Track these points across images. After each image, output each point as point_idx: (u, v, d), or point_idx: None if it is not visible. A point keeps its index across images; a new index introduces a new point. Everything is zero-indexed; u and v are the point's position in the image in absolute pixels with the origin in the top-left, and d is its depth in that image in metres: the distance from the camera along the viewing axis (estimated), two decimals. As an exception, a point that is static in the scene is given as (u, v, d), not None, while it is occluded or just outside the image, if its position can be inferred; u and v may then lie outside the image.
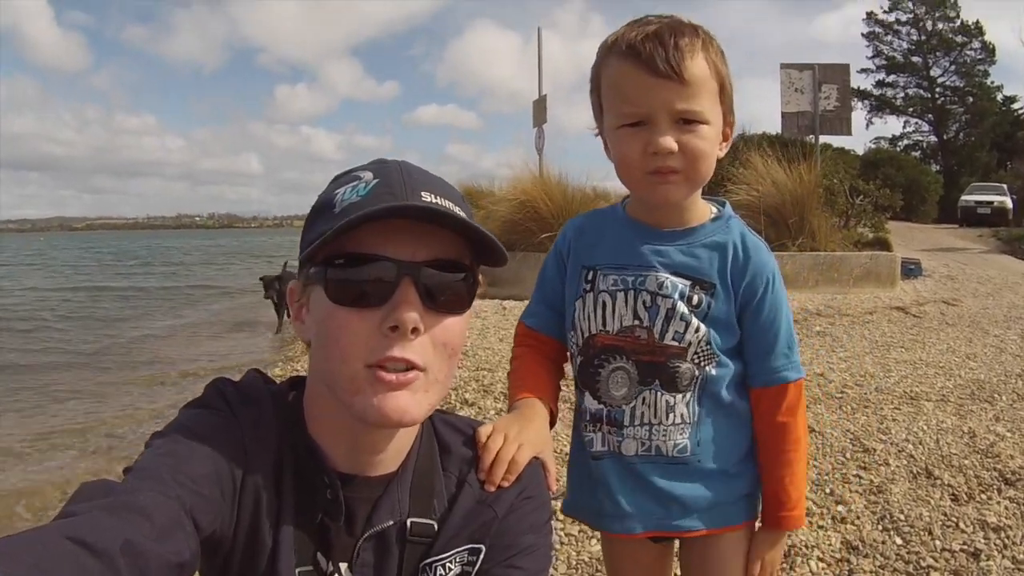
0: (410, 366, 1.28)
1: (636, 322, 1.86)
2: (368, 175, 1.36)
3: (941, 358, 8.26)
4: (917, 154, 70.42)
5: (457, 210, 1.33)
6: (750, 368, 1.92)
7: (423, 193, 1.32)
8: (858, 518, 4.17)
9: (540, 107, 18.76)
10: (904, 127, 73.77)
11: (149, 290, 28.36)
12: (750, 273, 1.87)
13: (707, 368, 1.87)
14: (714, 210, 1.98)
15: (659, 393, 1.86)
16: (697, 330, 1.84)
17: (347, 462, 1.38)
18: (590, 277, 1.93)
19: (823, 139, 17.22)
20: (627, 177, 1.84)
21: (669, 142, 1.72)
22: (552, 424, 1.90)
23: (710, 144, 1.77)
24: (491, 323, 9.90)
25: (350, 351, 1.28)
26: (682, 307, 1.83)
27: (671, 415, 1.86)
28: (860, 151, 48.79)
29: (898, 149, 67.13)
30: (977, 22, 72.26)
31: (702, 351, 1.86)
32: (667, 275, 1.85)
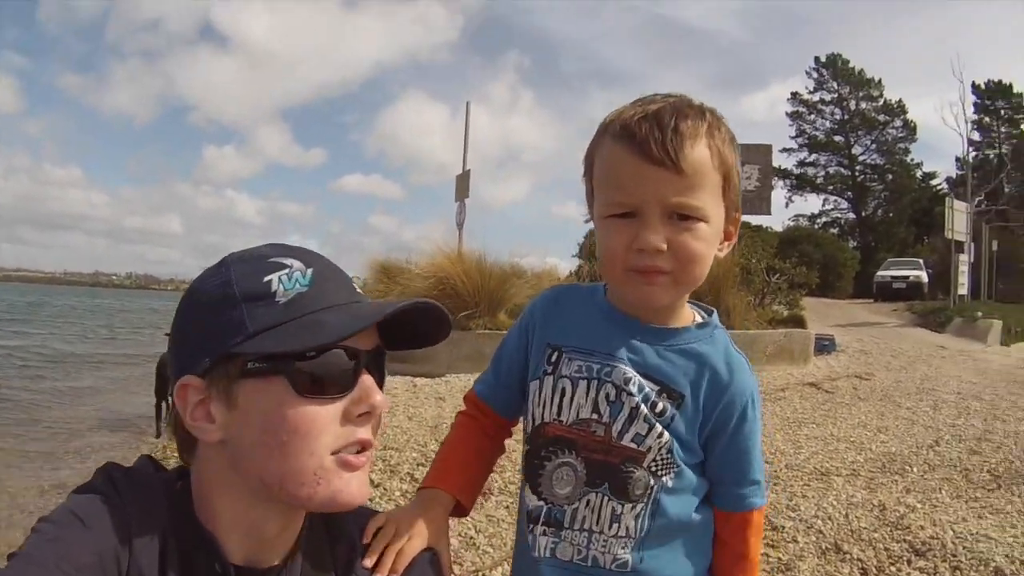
0: (366, 446, 1.33)
1: (594, 415, 1.62)
2: (295, 263, 1.35)
3: (852, 433, 8.28)
4: (835, 231, 72.20)
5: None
6: (715, 489, 1.70)
7: (356, 285, 1.39)
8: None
9: (463, 182, 18.74)
10: (824, 204, 75.77)
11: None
12: (728, 396, 1.64)
13: (664, 478, 1.62)
14: (700, 317, 1.75)
15: (606, 498, 1.62)
16: (660, 436, 1.59)
17: (241, 553, 1.34)
18: (553, 358, 1.69)
19: (742, 219, 17.16)
20: (609, 272, 1.63)
21: (657, 240, 1.50)
22: (463, 513, 1.75)
23: (706, 244, 1.54)
24: (401, 401, 9.66)
25: (321, 442, 1.27)
26: (645, 410, 1.59)
27: (615, 525, 1.62)
28: (779, 229, 49.85)
29: (817, 226, 68.84)
30: (900, 101, 74.41)
31: (662, 459, 1.61)
32: (635, 373, 1.61)
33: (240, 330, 1.26)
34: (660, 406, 1.60)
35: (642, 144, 1.49)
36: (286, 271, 1.32)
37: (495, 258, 14.43)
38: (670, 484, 1.62)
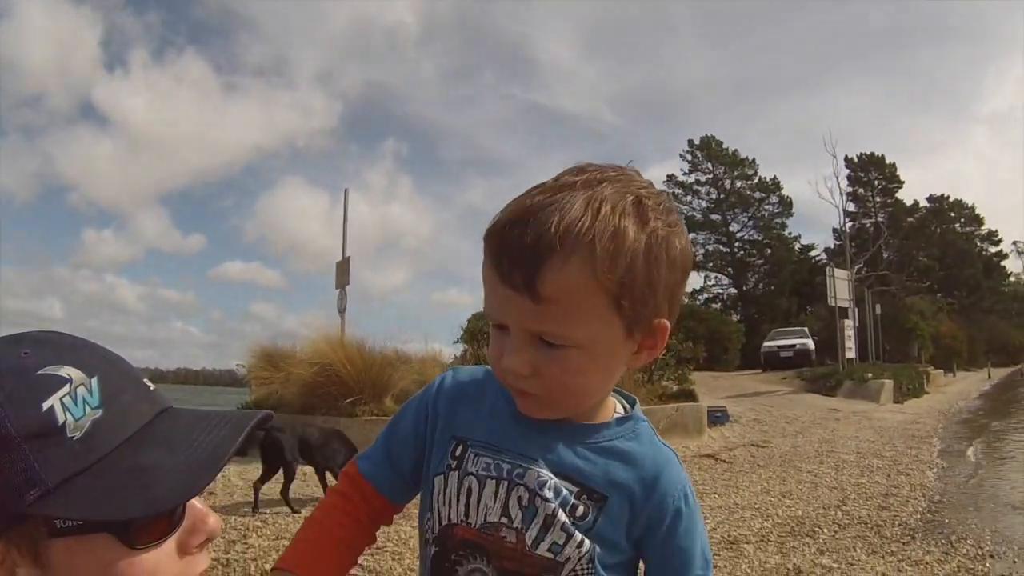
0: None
1: (503, 520, 1.38)
2: (72, 373, 1.02)
3: (756, 500, 8.08)
4: (718, 306, 73.81)
5: None
6: None
7: (146, 381, 1.12)
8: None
9: (343, 269, 18.70)
10: (705, 281, 77.67)
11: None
12: (658, 495, 1.42)
13: None
14: (621, 407, 1.52)
15: None
16: (580, 545, 1.35)
17: None
18: (458, 452, 1.45)
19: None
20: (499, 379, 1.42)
21: (518, 364, 1.30)
22: None
23: (579, 372, 1.30)
24: (292, 489, 9.28)
25: None
26: (563, 517, 1.35)
27: None
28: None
29: (699, 303, 70.21)
30: (774, 178, 77.14)
31: (582, 570, 1.37)
32: (550, 475, 1.38)
33: (33, 482, 0.95)
34: (580, 509, 1.37)
35: (497, 263, 1.27)
36: (66, 389, 0.99)
37: (378, 344, 14.29)
38: None
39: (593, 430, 1.44)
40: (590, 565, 1.36)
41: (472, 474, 1.41)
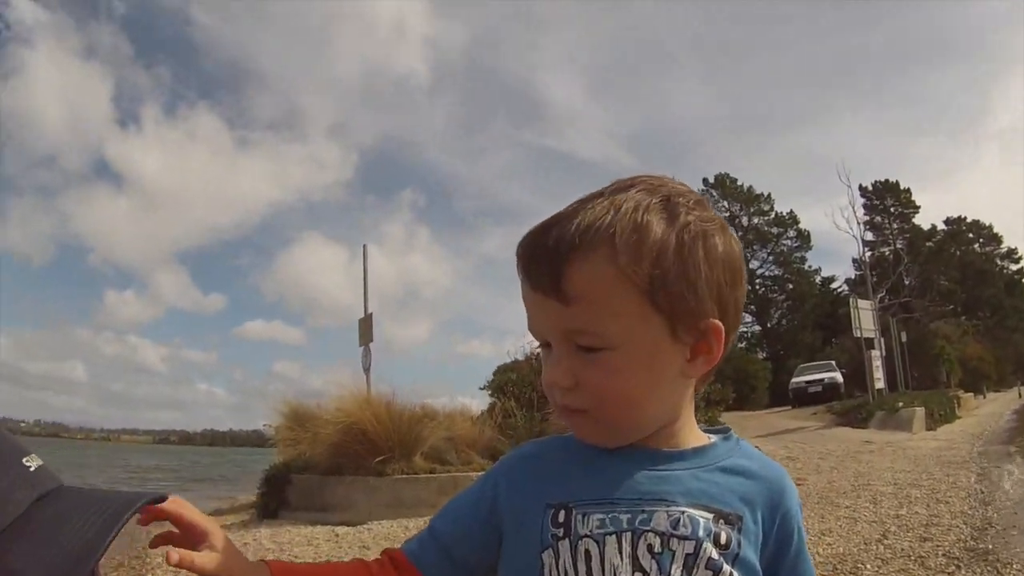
0: None
1: (638, 575, 1.24)
2: None
3: None
4: (743, 344, 73.72)
5: None
6: None
7: (27, 460, 1.02)
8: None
9: (366, 325, 18.50)
10: (727, 321, 77.66)
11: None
12: (783, 508, 1.36)
13: None
14: (713, 436, 1.44)
15: None
16: None
17: None
18: (562, 519, 1.30)
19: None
20: None
21: (558, 375, 1.27)
22: None
23: (620, 375, 1.24)
24: (323, 551, 9.08)
25: None
26: (711, 549, 1.25)
27: None
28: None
29: (723, 343, 70.36)
30: (791, 212, 77.40)
31: None
32: (683, 507, 1.28)
33: None
34: (723, 537, 1.27)
35: (525, 270, 1.28)
36: None
37: (404, 400, 14.12)
38: None
39: (701, 453, 1.37)
40: None
41: (587, 536, 1.27)
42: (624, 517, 1.26)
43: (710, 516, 1.27)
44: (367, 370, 17.17)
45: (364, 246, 19.79)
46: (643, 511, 1.26)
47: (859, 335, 29.07)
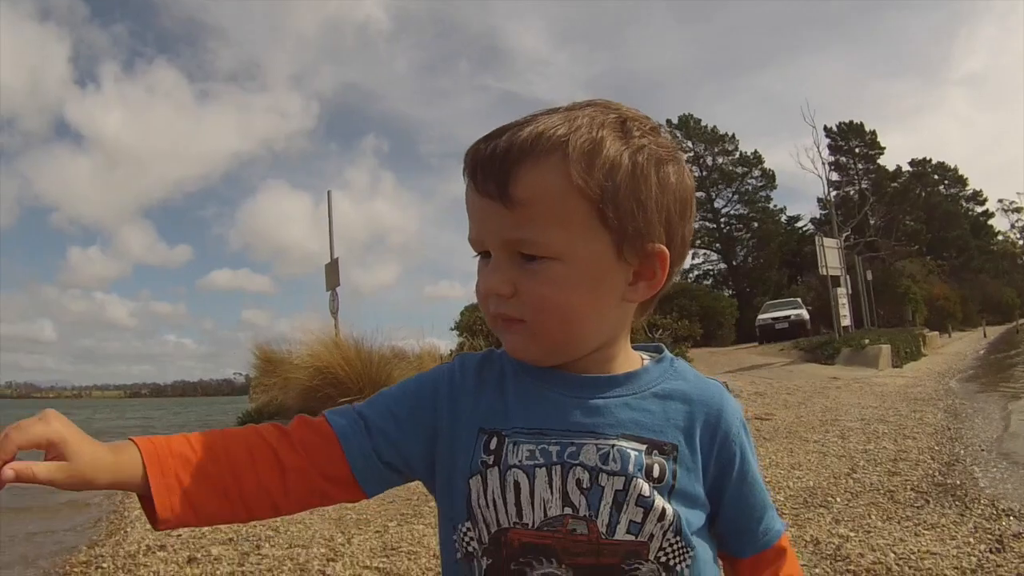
0: None
1: (568, 511, 1.23)
2: None
3: (766, 473, 7.90)
4: (709, 282, 74.22)
5: None
6: (735, 541, 1.40)
7: None
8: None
9: (332, 270, 18.65)
10: (694, 258, 78.20)
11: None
12: (723, 430, 1.34)
13: (678, 567, 1.26)
14: (646, 357, 1.42)
15: None
16: (662, 516, 1.24)
17: None
18: (492, 445, 1.29)
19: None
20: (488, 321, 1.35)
21: (497, 282, 1.25)
22: (152, 517, 1.22)
23: (562, 287, 1.22)
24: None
25: None
26: (641, 484, 1.23)
27: None
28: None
29: (690, 280, 70.58)
30: (755, 152, 77.57)
31: (669, 545, 1.25)
32: (612, 440, 1.26)
33: None
34: (656, 469, 1.26)
35: (472, 173, 1.25)
36: None
37: (374, 343, 14.16)
38: (686, 573, 1.27)
39: (633, 378, 1.34)
40: (677, 537, 1.26)
41: (516, 466, 1.26)
42: (554, 449, 1.26)
43: (642, 448, 1.26)
44: (335, 314, 17.30)
45: (328, 192, 20.08)
46: (572, 444, 1.26)
47: (825, 273, 29.24)
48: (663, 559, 1.24)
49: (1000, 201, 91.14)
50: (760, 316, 41.96)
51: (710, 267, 78.78)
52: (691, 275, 75.60)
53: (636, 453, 1.25)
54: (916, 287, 53.95)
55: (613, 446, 1.25)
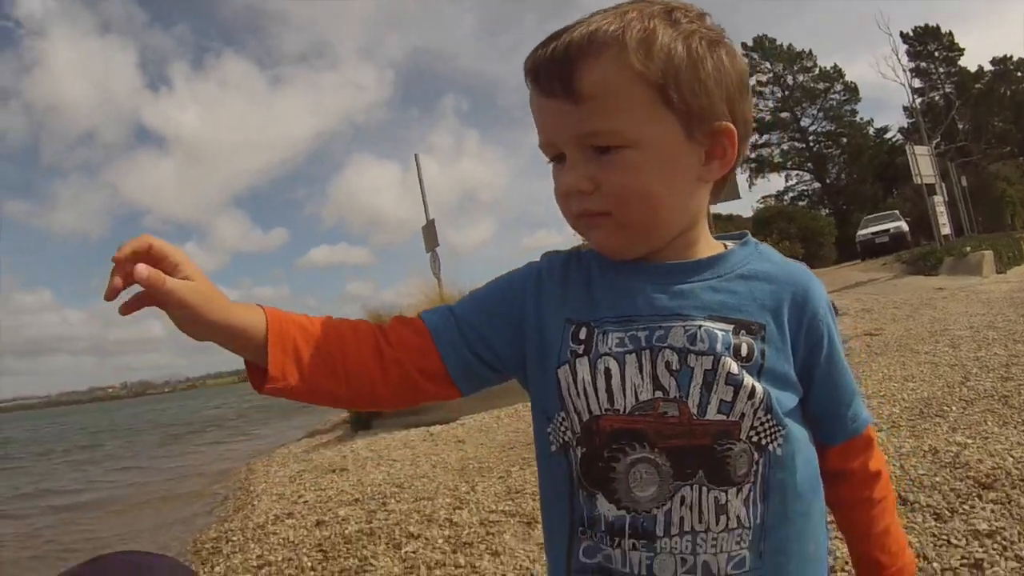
0: None
1: (659, 394, 1.27)
2: None
3: (880, 387, 7.95)
4: (804, 203, 73.01)
5: None
6: (825, 426, 1.43)
7: None
8: (847, 562, 3.89)
9: (430, 231, 18.61)
10: (787, 180, 77.19)
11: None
12: (810, 310, 1.36)
13: (770, 447, 1.29)
14: (730, 244, 1.45)
15: (705, 489, 1.27)
16: (751, 394, 1.27)
17: None
18: (583, 335, 1.33)
19: (714, 209, 17.14)
20: (570, 225, 1.40)
21: (575, 179, 1.28)
22: (259, 379, 1.31)
23: (640, 172, 1.26)
24: (421, 451, 9.38)
25: None
26: (730, 363, 1.27)
27: (723, 518, 1.27)
28: (749, 214, 50.35)
29: (785, 202, 69.55)
30: (835, 66, 75.89)
31: (760, 424, 1.29)
32: (699, 321, 1.29)
33: None
34: (744, 348, 1.29)
35: (535, 78, 1.31)
36: None
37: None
38: (779, 452, 1.30)
39: (717, 261, 1.37)
40: (768, 416, 1.29)
41: (607, 354, 1.29)
42: (642, 335, 1.29)
43: (729, 328, 1.29)
44: (437, 275, 17.23)
45: (416, 155, 19.80)
46: (660, 327, 1.29)
47: (919, 182, 28.55)
48: (755, 438, 1.28)
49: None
50: (860, 232, 41.10)
51: (804, 187, 77.21)
52: (786, 197, 74.48)
53: (723, 333, 1.28)
54: (1012, 190, 52.55)
55: (700, 327, 1.28)
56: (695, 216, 1.38)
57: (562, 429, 1.35)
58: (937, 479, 4.71)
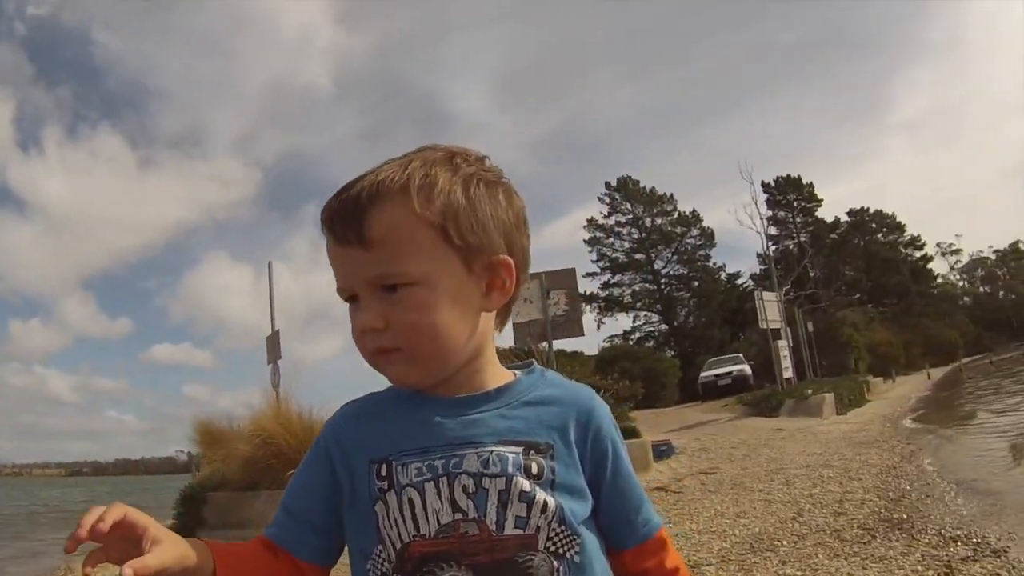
0: None
1: (458, 515, 1.32)
2: None
3: (711, 523, 7.92)
4: (651, 344, 74.52)
5: None
6: (620, 532, 1.48)
7: None
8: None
9: (273, 343, 18.50)
10: (635, 320, 79.02)
11: None
12: (594, 427, 1.45)
13: (567, 555, 1.34)
14: (518, 372, 1.51)
15: None
16: (544, 508, 1.33)
17: None
18: (384, 472, 1.38)
19: (557, 344, 17.32)
20: (368, 362, 1.44)
21: (369, 318, 1.35)
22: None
23: (427, 309, 1.33)
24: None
25: None
26: (522, 482, 1.33)
27: None
28: (594, 352, 51.24)
29: (631, 342, 70.95)
30: (694, 211, 78.83)
31: (556, 535, 1.34)
32: (491, 447, 1.36)
33: None
34: (534, 467, 1.35)
35: (331, 227, 1.39)
36: None
37: (317, 413, 13.99)
38: (577, 560, 1.35)
39: (505, 392, 1.44)
40: (562, 527, 1.34)
41: (408, 485, 1.35)
42: (439, 463, 1.34)
43: (519, 450, 1.36)
44: (276, 387, 17.04)
45: (269, 263, 20.03)
46: (455, 455, 1.34)
47: (765, 327, 29.50)
48: (552, 548, 1.32)
49: (938, 245, 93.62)
50: (703, 373, 42.21)
51: (651, 328, 79.07)
52: (632, 337, 75.96)
53: (514, 455, 1.34)
54: (858, 335, 54.66)
55: (492, 452, 1.34)
56: (480, 344, 1.44)
57: (380, 561, 1.37)
58: (764, 611, 4.56)
